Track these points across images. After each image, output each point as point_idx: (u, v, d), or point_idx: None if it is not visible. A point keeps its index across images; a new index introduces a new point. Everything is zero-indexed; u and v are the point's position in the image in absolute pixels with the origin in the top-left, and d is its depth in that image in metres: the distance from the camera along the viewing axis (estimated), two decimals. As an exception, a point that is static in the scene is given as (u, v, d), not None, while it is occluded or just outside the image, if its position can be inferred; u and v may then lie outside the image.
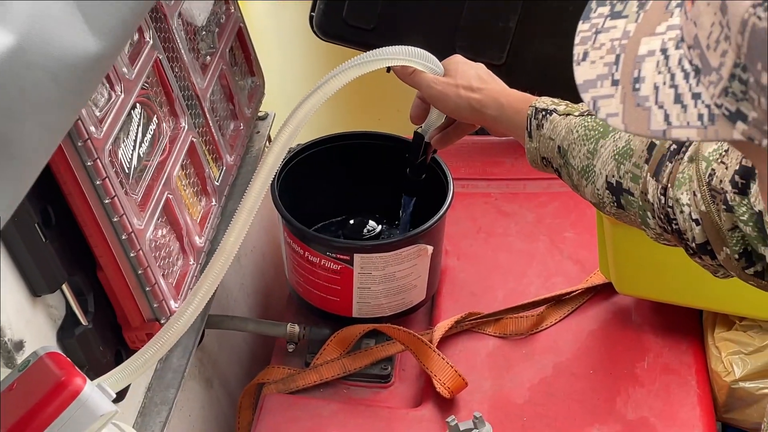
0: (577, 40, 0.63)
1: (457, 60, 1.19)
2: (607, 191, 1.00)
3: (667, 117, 0.56)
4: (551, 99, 1.09)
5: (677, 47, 0.56)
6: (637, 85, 0.58)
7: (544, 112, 1.07)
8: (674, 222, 0.94)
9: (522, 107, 1.09)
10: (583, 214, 1.59)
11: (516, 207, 1.66)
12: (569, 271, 1.53)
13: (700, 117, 0.54)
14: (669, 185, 0.93)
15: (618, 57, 0.59)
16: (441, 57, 1.63)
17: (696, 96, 0.54)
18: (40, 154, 0.64)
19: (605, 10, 0.63)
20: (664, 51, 0.57)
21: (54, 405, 0.78)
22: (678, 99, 0.55)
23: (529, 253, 1.57)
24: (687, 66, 0.55)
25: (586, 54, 0.62)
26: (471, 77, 1.15)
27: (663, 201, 0.94)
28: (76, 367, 0.82)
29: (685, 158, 0.93)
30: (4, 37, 0.59)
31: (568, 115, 1.05)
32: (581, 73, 0.61)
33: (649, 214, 0.97)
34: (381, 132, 1.54)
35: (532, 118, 1.07)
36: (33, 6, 0.60)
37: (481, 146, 1.75)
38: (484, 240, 1.60)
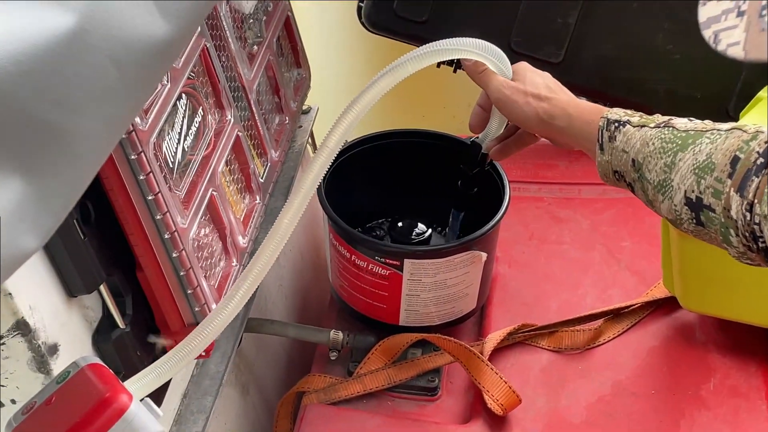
0: None
1: (525, 66, 1.14)
2: (686, 207, 0.93)
3: None
4: (623, 110, 1.03)
5: None
6: (763, 12, 0.54)
7: (617, 124, 1.01)
8: (761, 240, 0.87)
9: (593, 118, 1.04)
10: (641, 222, 1.51)
11: (570, 213, 1.58)
12: (627, 282, 1.45)
13: None
14: (756, 201, 0.86)
15: None
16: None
17: None
18: (99, 150, 0.57)
19: None
20: None
21: (97, 424, 0.71)
22: None
23: (584, 263, 1.49)
24: None
25: None
26: (540, 85, 1.10)
27: (749, 218, 0.87)
28: (119, 380, 0.75)
29: None
30: (64, 17, 0.52)
31: (642, 126, 0.99)
32: (705, 12, 0.59)
33: (732, 231, 0.90)
34: (431, 130, 1.46)
35: (604, 130, 1.01)
36: None
37: (533, 148, 1.63)
38: (536, 247, 1.53)
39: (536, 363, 1.35)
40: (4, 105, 0.50)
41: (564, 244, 1.53)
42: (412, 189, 1.47)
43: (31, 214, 0.53)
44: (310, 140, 1.62)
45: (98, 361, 0.77)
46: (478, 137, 1.21)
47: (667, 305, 1.39)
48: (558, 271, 1.49)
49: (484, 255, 1.30)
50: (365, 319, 1.38)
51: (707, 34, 0.57)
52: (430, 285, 1.30)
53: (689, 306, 1.33)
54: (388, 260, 1.28)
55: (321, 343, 1.38)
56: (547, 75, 1.13)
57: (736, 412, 1.25)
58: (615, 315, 1.39)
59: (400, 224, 1.43)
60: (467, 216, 1.33)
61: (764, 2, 0.53)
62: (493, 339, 1.34)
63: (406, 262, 1.27)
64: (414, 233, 1.42)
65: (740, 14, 0.55)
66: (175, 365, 0.88)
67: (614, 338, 1.36)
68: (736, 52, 0.53)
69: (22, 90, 0.50)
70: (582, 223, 1.56)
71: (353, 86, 1.11)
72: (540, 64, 1.58)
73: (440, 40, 1.03)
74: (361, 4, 1.61)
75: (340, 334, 1.35)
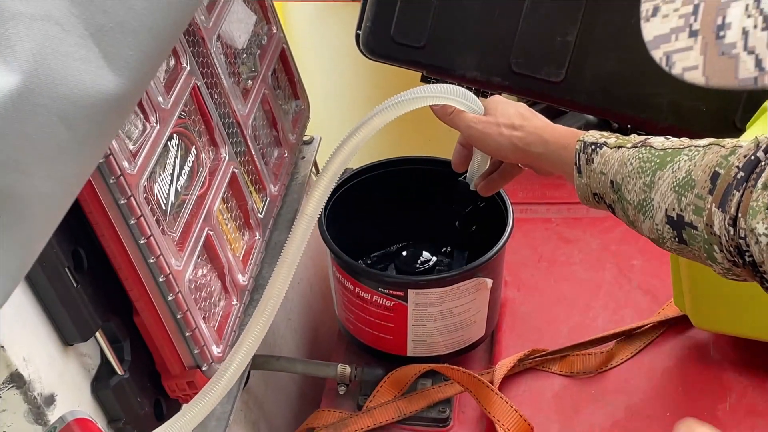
0: None
1: (497, 99, 1.14)
2: (668, 226, 0.92)
3: (759, 62, 0.52)
4: (599, 132, 1.03)
5: None
6: (721, 33, 0.53)
7: (593, 146, 1.00)
8: (747, 254, 0.86)
9: (568, 142, 1.03)
10: (651, 239, 1.48)
11: (579, 233, 1.56)
12: (639, 302, 1.42)
13: None
14: (740, 215, 0.84)
15: (697, 6, 0.56)
16: (497, 75, 1.56)
17: None
18: (53, 210, 0.56)
19: None
20: None
21: (80, 483, 0.70)
22: None
23: (594, 283, 1.47)
24: None
25: (656, 9, 0.58)
26: (512, 115, 1.10)
27: (732, 233, 0.85)
28: (106, 436, 0.73)
29: (759, 185, 0.84)
30: (7, 77, 0.50)
31: (620, 147, 0.98)
32: (651, 30, 0.60)
33: (716, 247, 0.88)
34: (432, 156, 1.45)
35: (581, 153, 1.01)
36: (41, 43, 0.52)
37: (539, 168, 1.66)
38: (545, 269, 1.51)
39: (548, 389, 1.32)
40: None
41: (574, 265, 1.51)
42: (416, 216, 1.46)
43: (-15, 279, 0.52)
44: (314, 170, 1.60)
45: (86, 415, 0.76)
46: (465, 176, 1.20)
47: (680, 324, 1.36)
48: (568, 293, 1.46)
49: (489, 281, 1.28)
50: (373, 351, 1.36)
51: (657, 55, 0.56)
52: (436, 314, 1.28)
53: (700, 324, 1.30)
54: (391, 291, 1.26)
55: (329, 378, 1.36)
56: (521, 104, 1.13)
57: (753, 431, 1.22)
58: (627, 336, 1.36)
59: (404, 253, 1.42)
60: (471, 245, 1.31)
61: (719, 21, 0.52)
62: (503, 366, 1.32)
63: (410, 292, 1.25)
64: (419, 261, 1.40)
65: (693, 34, 0.54)
66: (190, 422, 0.88)
67: (627, 360, 1.34)
68: (695, 78, 0.52)
69: None
70: (591, 243, 1.54)
71: (355, 114, 1.12)
72: (541, 83, 1.58)
73: (402, 93, 1.04)
74: (358, 31, 1.60)
75: (348, 368, 1.33)
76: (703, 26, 0.53)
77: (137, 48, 0.57)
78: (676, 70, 0.54)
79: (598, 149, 0.99)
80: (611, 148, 0.99)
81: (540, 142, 1.06)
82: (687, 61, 0.54)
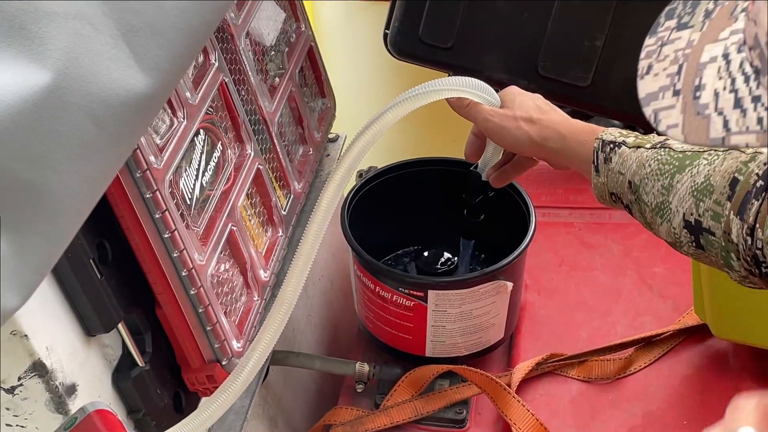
0: (642, 54, 0.64)
1: (514, 91, 1.13)
2: (685, 230, 0.92)
3: (726, 123, 0.54)
4: (618, 130, 1.02)
5: (739, 51, 0.55)
6: (698, 93, 0.56)
7: (612, 145, 0.99)
8: (764, 265, 0.85)
9: (587, 139, 1.02)
10: (674, 247, 1.48)
11: (601, 238, 1.55)
12: (659, 309, 1.42)
13: (760, 121, 0.52)
14: (757, 225, 0.84)
15: (681, 66, 0.58)
16: (523, 77, 1.56)
17: (756, 99, 0.53)
18: (80, 208, 0.57)
19: (672, 23, 0.63)
20: (725, 56, 0.56)
21: (99, 473, 0.71)
22: (738, 103, 0.54)
23: (615, 289, 1.47)
24: (748, 69, 0.54)
25: (650, 67, 0.62)
26: (529, 108, 1.08)
27: (750, 242, 0.85)
28: (127, 428, 0.74)
29: None
30: (40, 75, 0.51)
31: (638, 147, 0.97)
32: (644, 87, 0.61)
33: (733, 255, 0.88)
34: (456, 158, 1.45)
35: (599, 151, 1.00)
36: (73, 41, 0.53)
37: (562, 172, 1.64)
38: (566, 274, 1.50)
39: (566, 393, 1.32)
40: None
41: (595, 271, 1.51)
42: (437, 216, 1.46)
43: (12, 272, 0.52)
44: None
45: (106, 406, 0.77)
46: (477, 166, 1.20)
47: (699, 332, 1.36)
48: (588, 298, 1.46)
49: (510, 284, 1.28)
50: (392, 351, 1.36)
51: (647, 112, 0.58)
52: (456, 316, 1.28)
53: (721, 334, 1.30)
54: (412, 291, 1.27)
55: (347, 375, 1.36)
56: (538, 96, 1.11)
57: (771, 443, 1.22)
58: (646, 343, 1.36)
59: (425, 253, 1.42)
60: (489, 238, 1.31)
61: (696, 81, 0.54)
62: (521, 369, 1.32)
63: (431, 293, 1.26)
64: (440, 262, 1.41)
65: (676, 93, 0.56)
66: (210, 417, 0.89)
67: (645, 367, 1.34)
68: (676, 135, 0.54)
69: None
70: (613, 249, 1.54)
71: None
72: (568, 87, 1.58)
73: (419, 86, 1.03)
74: (386, 31, 1.60)
75: (366, 366, 1.33)
76: (684, 86, 0.55)
77: (167, 48, 0.58)
78: (661, 128, 0.57)
79: (616, 148, 0.99)
80: (630, 148, 0.98)
81: (558, 138, 1.05)
82: (670, 119, 0.56)
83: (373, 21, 1.81)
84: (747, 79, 0.54)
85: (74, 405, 0.97)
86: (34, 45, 0.51)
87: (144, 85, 0.57)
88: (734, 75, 0.55)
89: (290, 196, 1.34)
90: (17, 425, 0.97)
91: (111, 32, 0.55)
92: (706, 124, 0.55)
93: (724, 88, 0.54)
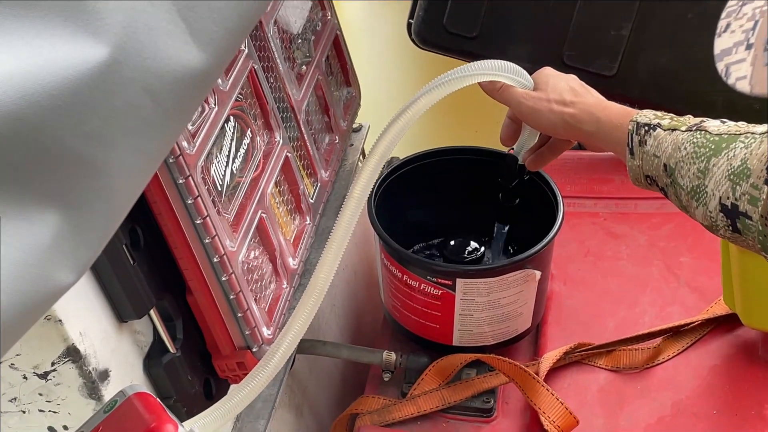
0: (723, 14, 0.60)
1: (548, 73, 1.11)
2: (721, 214, 0.91)
3: None
4: (653, 112, 1.00)
5: None
6: None
7: (647, 127, 0.98)
8: None
9: (622, 122, 1.01)
10: (701, 236, 1.47)
11: (627, 228, 1.55)
12: (686, 299, 1.41)
13: None
14: None
15: (756, 23, 0.55)
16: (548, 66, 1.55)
17: None
18: (135, 183, 0.56)
19: None
20: None
21: (143, 454, 0.71)
22: None
23: (641, 279, 1.46)
24: None
25: (728, 25, 0.59)
26: (563, 90, 1.07)
27: None
28: (168, 411, 0.74)
29: None
30: (97, 50, 0.51)
31: (674, 130, 0.96)
32: (720, 44, 0.59)
33: None
34: (482, 147, 1.44)
35: (634, 134, 0.99)
36: (130, 16, 0.52)
37: (587, 162, 1.65)
38: (592, 264, 1.50)
39: (594, 383, 1.32)
40: (38, 139, 0.50)
41: (621, 261, 1.50)
42: (464, 206, 1.46)
43: (67, 248, 0.52)
44: (361, 158, 1.61)
45: (145, 389, 0.77)
46: (513, 149, 1.20)
47: (728, 322, 1.35)
48: (615, 289, 1.45)
49: (538, 273, 1.28)
50: (418, 340, 1.36)
51: (720, 67, 0.57)
52: (484, 304, 1.28)
53: (751, 323, 1.29)
54: (440, 280, 1.26)
55: (374, 364, 1.36)
56: (572, 77, 1.11)
57: (801, 432, 1.21)
58: (674, 333, 1.35)
59: (452, 242, 1.42)
60: (515, 230, 1.31)
61: None
62: (549, 359, 1.31)
63: (459, 281, 1.25)
64: (467, 251, 1.40)
65: (749, 47, 0.55)
66: (239, 403, 0.88)
67: (674, 357, 1.33)
68: (743, 87, 0.53)
69: (56, 124, 0.50)
70: (639, 239, 1.53)
71: (404, 103, 1.11)
72: (594, 77, 1.56)
73: (450, 71, 1.02)
74: (411, 20, 1.60)
75: (393, 355, 1.33)
76: (758, 40, 0.54)
77: (222, 24, 0.57)
78: (731, 80, 0.55)
79: (651, 131, 0.98)
80: (665, 130, 0.97)
81: (592, 121, 1.04)
82: (739, 72, 0.54)
83: (397, 10, 1.81)
84: None
85: (107, 390, 0.97)
86: (91, 19, 0.50)
87: (199, 60, 0.56)
88: None
89: (317, 185, 1.34)
90: (50, 411, 0.97)
91: (167, 7, 0.54)
92: None
93: None
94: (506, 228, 1.32)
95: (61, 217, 0.51)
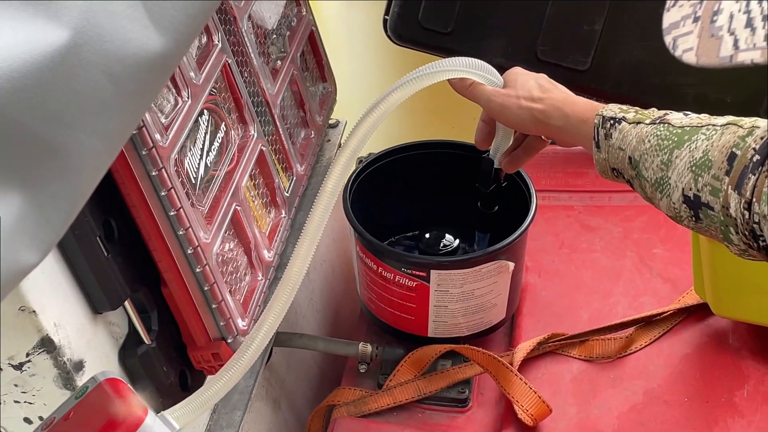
0: None
1: (517, 71, 1.14)
2: (684, 205, 0.93)
3: (735, 42, 0.54)
4: (619, 106, 1.02)
5: None
6: (714, 18, 0.56)
7: (612, 121, 1.00)
8: (761, 239, 0.86)
9: (588, 116, 1.03)
10: (673, 228, 1.49)
11: (601, 221, 1.56)
12: (659, 290, 1.43)
13: (767, 37, 0.51)
14: (754, 200, 0.84)
15: None
16: (522, 62, 1.56)
17: (766, 18, 0.51)
18: (96, 165, 0.57)
19: None
20: None
21: (112, 437, 0.72)
22: (749, 23, 0.53)
23: (615, 271, 1.47)
24: None
25: (676, 0, 0.60)
26: (532, 87, 1.10)
27: (747, 216, 0.86)
28: (137, 396, 0.75)
29: None
30: (57, 32, 0.52)
31: (638, 123, 0.98)
32: (669, 18, 0.60)
33: (731, 229, 0.89)
34: (457, 141, 1.46)
35: (600, 128, 1.01)
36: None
37: (563, 156, 1.67)
38: (567, 256, 1.51)
39: (567, 372, 1.33)
40: None
41: (595, 253, 1.52)
42: (439, 200, 1.47)
43: (31, 229, 0.53)
44: (338, 154, 1.62)
45: (116, 375, 0.78)
46: (488, 153, 1.21)
47: (699, 312, 1.37)
48: (589, 280, 1.47)
49: (511, 264, 1.29)
50: (394, 332, 1.37)
51: (667, 40, 0.58)
52: (458, 295, 1.29)
53: (721, 312, 1.31)
54: (414, 271, 1.27)
55: (350, 356, 1.37)
56: (541, 75, 1.12)
57: (771, 418, 1.23)
58: (647, 323, 1.37)
59: (427, 236, 1.43)
60: (498, 214, 1.32)
61: (715, 7, 0.54)
62: (523, 349, 1.33)
63: (433, 273, 1.27)
64: (441, 244, 1.42)
65: (696, 20, 0.56)
66: (215, 394, 0.89)
67: (646, 346, 1.34)
68: (689, 58, 0.54)
69: (16, 106, 0.51)
70: (613, 231, 1.55)
71: (379, 99, 1.12)
72: (567, 71, 1.58)
73: (422, 67, 1.04)
74: (386, 17, 1.61)
75: (369, 347, 1.34)
76: (704, 12, 0.56)
77: (182, 9, 0.59)
78: (677, 53, 0.57)
79: (616, 124, 1.00)
80: (630, 124, 0.99)
81: (560, 116, 1.06)
82: (686, 44, 0.56)
83: (372, 7, 1.82)
84: (761, 0, 0.54)
85: (82, 381, 0.97)
86: (51, 3, 0.52)
87: (159, 45, 0.58)
88: None
89: (293, 179, 1.35)
90: (25, 402, 0.98)
91: None
92: (717, 45, 0.55)
93: (739, 10, 0.55)
94: (487, 236, 1.34)
95: (23, 197, 0.52)
